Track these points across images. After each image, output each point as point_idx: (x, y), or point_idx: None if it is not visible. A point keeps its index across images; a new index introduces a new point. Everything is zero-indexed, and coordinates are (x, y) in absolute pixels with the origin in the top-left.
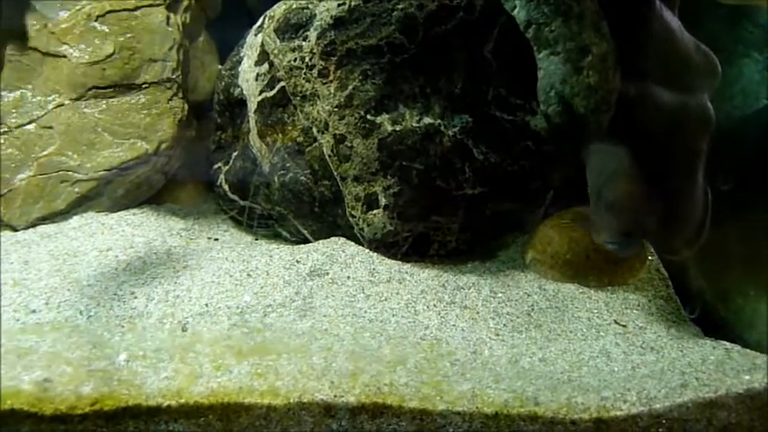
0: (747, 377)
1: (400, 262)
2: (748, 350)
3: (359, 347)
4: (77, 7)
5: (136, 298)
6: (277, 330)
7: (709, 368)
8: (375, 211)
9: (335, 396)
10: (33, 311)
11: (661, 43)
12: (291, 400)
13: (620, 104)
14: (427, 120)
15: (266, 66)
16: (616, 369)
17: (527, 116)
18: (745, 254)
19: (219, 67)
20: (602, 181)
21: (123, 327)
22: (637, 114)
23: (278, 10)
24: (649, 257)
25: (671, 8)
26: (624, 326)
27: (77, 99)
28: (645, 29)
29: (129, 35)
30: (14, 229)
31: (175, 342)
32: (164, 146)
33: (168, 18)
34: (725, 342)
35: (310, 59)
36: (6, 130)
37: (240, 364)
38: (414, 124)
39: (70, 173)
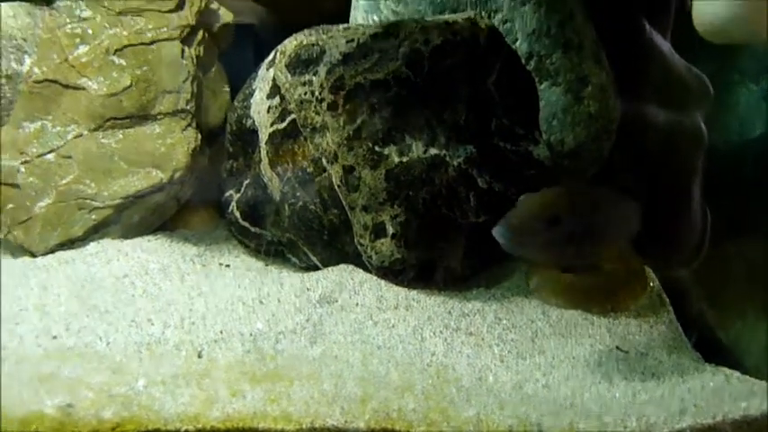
0: (744, 404)
1: (407, 288)
2: (747, 376)
3: (368, 373)
4: (97, 41)
5: (153, 324)
6: (289, 357)
7: (707, 394)
8: (383, 240)
9: (346, 422)
10: (54, 337)
11: (654, 65)
12: (304, 426)
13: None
14: (433, 150)
15: (278, 99)
16: (617, 395)
17: (530, 145)
18: (743, 280)
19: (233, 101)
20: None
21: (141, 353)
22: (632, 134)
23: (289, 46)
24: (651, 284)
25: (662, 33)
26: (626, 351)
27: (95, 129)
28: (638, 51)
29: (145, 68)
30: (34, 255)
31: (191, 368)
32: (177, 174)
33: (183, 51)
34: (725, 368)
35: (320, 93)
36: (28, 159)
37: (254, 389)
38: (420, 155)
39: (88, 200)
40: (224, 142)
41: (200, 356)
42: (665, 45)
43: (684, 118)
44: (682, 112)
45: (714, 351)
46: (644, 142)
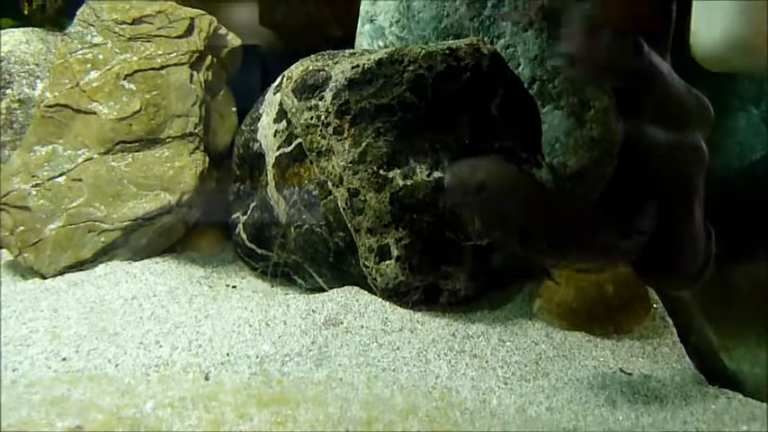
0: (745, 427)
1: (412, 311)
2: (750, 399)
3: (372, 397)
4: (107, 67)
5: (161, 347)
6: (295, 379)
7: (709, 417)
8: (387, 262)
9: None
10: (64, 359)
11: (654, 85)
12: None
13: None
14: (437, 174)
15: (284, 123)
16: (620, 418)
17: (533, 168)
18: (745, 303)
19: (241, 125)
20: None
21: (149, 375)
22: (633, 153)
23: (295, 71)
24: (654, 305)
25: (662, 53)
26: (629, 374)
27: (105, 153)
28: (637, 72)
29: (154, 93)
30: (43, 277)
31: (199, 391)
32: (185, 197)
33: (192, 76)
34: (727, 390)
35: (326, 118)
36: (39, 182)
37: (261, 412)
38: (424, 178)
39: (97, 223)
40: (231, 165)
41: (207, 379)
42: (664, 65)
43: (685, 138)
44: (682, 132)
45: (717, 373)
46: (644, 163)
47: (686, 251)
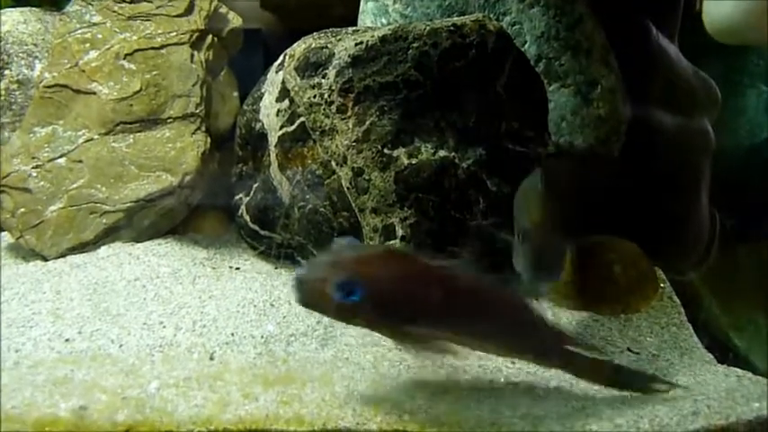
0: (757, 404)
1: None
2: (760, 377)
3: (379, 376)
4: (106, 46)
5: (165, 327)
6: (300, 359)
7: (720, 395)
8: (392, 242)
9: (358, 424)
10: (67, 340)
11: (661, 68)
12: (316, 428)
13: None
14: (442, 153)
15: (287, 102)
16: (629, 396)
17: (539, 148)
18: (754, 282)
19: (243, 105)
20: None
21: (153, 356)
22: (640, 137)
23: (298, 49)
24: (662, 285)
25: (670, 38)
26: (638, 353)
27: (106, 134)
28: (645, 55)
29: (155, 72)
30: (45, 259)
31: (204, 371)
32: (188, 178)
33: (192, 56)
34: (737, 369)
35: (329, 96)
36: (39, 164)
37: (266, 392)
38: (429, 157)
39: (99, 204)
40: (233, 146)
41: (212, 359)
42: (672, 48)
43: (692, 122)
44: (689, 116)
45: (726, 353)
46: (651, 146)
47: (692, 236)
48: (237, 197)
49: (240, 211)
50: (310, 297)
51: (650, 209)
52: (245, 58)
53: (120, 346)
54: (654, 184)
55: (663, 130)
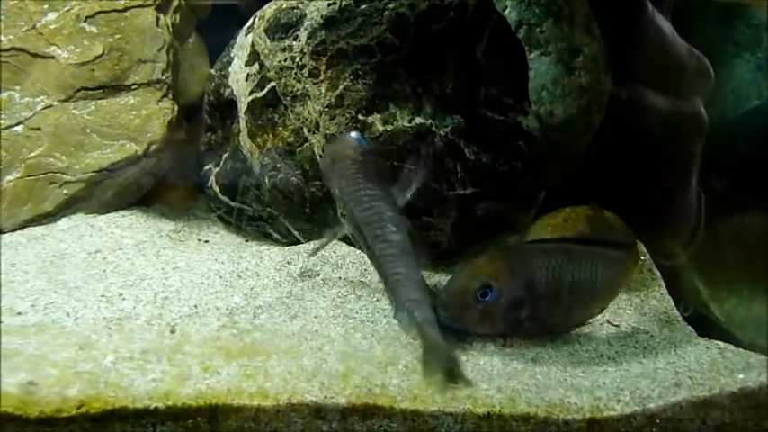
0: (741, 376)
1: None
2: (742, 350)
3: (350, 348)
4: (66, 8)
5: (124, 300)
6: (267, 331)
7: (702, 367)
8: None
9: (326, 397)
10: (19, 313)
11: (653, 47)
12: (281, 402)
13: (612, 108)
14: (419, 120)
15: (256, 66)
16: (609, 369)
17: (519, 116)
18: (739, 254)
19: (211, 71)
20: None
21: (111, 328)
22: (629, 118)
23: (268, 10)
24: (641, 257)
25: (663, 12)
26: (617, 326)
27: (66, 100)
28: (637, 32)
29: (118, 36)
30: (1, 232)
31: (163, 343)
32: (153, 147)
33: (158, 19)
34: (718, 342)
35: (301, 59)
36: None
37: (229, 365)
38: (405, 124)
39: (59, 174)
40: (202, 114)
41: (173, 332)
42: (666, 25)
43: (684, 102)
44: (681, 96)
45: (706, 325)
46: (642, 124)
47: (679, 216)
48: (207, 168)
49: (210, 183)
50: None
51: (633, 189)
52: (216, 29)
53: (76, 319)
54: (640, 163)
55: (654, 109)
